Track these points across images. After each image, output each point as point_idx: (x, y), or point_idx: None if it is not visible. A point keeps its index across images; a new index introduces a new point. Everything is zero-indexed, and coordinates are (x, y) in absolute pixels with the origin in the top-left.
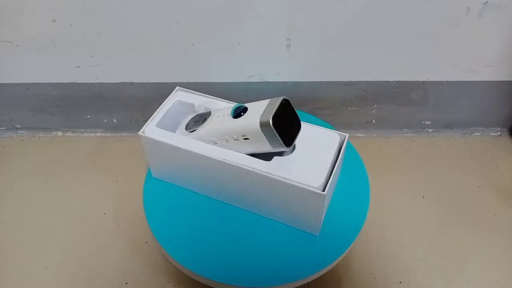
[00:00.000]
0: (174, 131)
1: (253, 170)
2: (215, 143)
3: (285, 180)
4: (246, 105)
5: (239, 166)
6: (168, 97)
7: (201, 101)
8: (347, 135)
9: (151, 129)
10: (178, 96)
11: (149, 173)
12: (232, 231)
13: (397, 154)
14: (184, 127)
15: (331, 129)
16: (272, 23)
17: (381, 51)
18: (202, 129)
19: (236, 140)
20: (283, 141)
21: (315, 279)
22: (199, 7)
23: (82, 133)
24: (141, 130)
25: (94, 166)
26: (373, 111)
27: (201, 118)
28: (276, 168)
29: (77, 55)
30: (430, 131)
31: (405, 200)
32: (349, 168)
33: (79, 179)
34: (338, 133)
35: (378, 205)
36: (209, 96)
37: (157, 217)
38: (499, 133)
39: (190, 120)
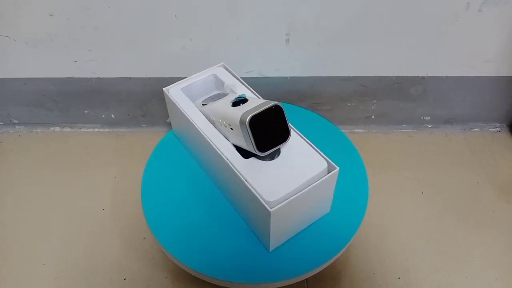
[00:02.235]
0: (196, 100)
1: (225, 159)
2: (213, 123)
3: (245, 182)
4: (248, 97)
5: (217, 151)
6: (208, 69)
7: (231, 83)
8: (338, 168)
9: (174, 90)
10: (216, 70)
11: (147, 170)
12: (230, 227)
13: (396, 150)
14: (203, 100)
15: (326, 156)
16: (271, 18)
17: (381, 46)
18: (209, 107)
19: (225, 127)
20: (256, 145)
21: (314, 275)
22: (197, 2)
23: (80, 128)
24: (166, 88)
25: (92, 162)
26: (372, 107)
27: (217, 97)
28: (245, 167)
29: (74, 50)
30: (429, 126)
31: (404, 196)
32: (347, 164)
33: (76, 175)
34: (328, 162)
35: (377, 201)
36: (244, 83)
37: (155, 212)
38: (498, 129)
39: (211, 96)
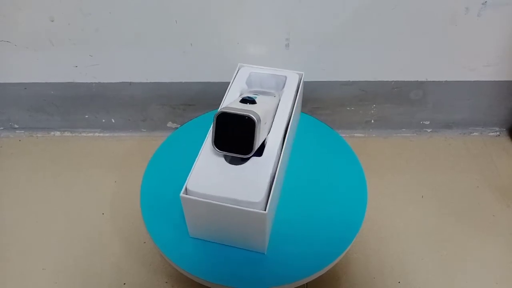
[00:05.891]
0: (255, 87)
1: (203, 143)
2: None
3: (192, 168)
4: (258, 101)
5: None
6: (286, 70)
7: (286, 91)
8: (266, 213)
9: (244, 70)
10: (290, 75)
11: (146, 174)
12: None
13: (396, 154)
14: (255, 89)
15: (269, 197)
16: (270, 22)
17: (380, 51)
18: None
19: None
20: (214, 139)
21: (314, 280)
22: (197, 6)
23: (80, 133)
24: (241, 63)
25: (92, 166)
26: (372, 111)
27: (263, 94)
28: (207, 155)
29: (75, 54)
30: (429, 131)
31: (404, 200)
32: (346, 168)
33: (77, 179)
34: (268, 203)
35: (377, 205)
36: (296, 98)
37: (154, 217)
38: (497, 133)
39: (264, 91)
